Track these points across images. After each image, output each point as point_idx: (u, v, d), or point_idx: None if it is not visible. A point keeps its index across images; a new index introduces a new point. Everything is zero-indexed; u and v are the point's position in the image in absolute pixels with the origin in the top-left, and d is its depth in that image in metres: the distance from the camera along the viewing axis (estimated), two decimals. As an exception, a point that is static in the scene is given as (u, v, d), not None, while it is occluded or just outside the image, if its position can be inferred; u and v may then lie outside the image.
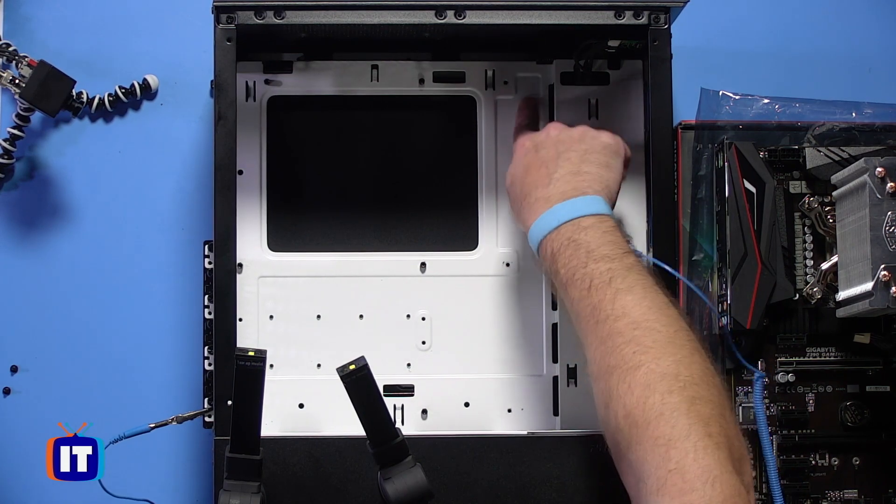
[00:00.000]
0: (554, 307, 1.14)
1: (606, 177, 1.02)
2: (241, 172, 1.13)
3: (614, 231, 0.97)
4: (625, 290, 0.92)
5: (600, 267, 0.94)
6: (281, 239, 1.14)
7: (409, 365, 1.14)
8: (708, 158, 1.15)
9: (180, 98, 1.22)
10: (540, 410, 1.13)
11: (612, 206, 1.01)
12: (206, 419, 1.07)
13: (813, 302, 1.12)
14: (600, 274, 0.94)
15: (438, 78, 1.16)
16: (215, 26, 1.03)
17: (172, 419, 1.06)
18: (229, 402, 0.98)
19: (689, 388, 0.86)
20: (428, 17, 1.04)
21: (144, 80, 1.21)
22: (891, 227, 1.02)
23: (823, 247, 1.13)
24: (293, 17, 1.03)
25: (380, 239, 1.15)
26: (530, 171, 1.03)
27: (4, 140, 1.19)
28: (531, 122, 1.13)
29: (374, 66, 1.16)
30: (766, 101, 1.18)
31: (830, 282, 1.12)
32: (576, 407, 1.12)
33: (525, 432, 1.10)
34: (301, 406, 1.12)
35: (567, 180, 1.00)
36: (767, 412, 1.12)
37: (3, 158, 1.19)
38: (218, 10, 1.03)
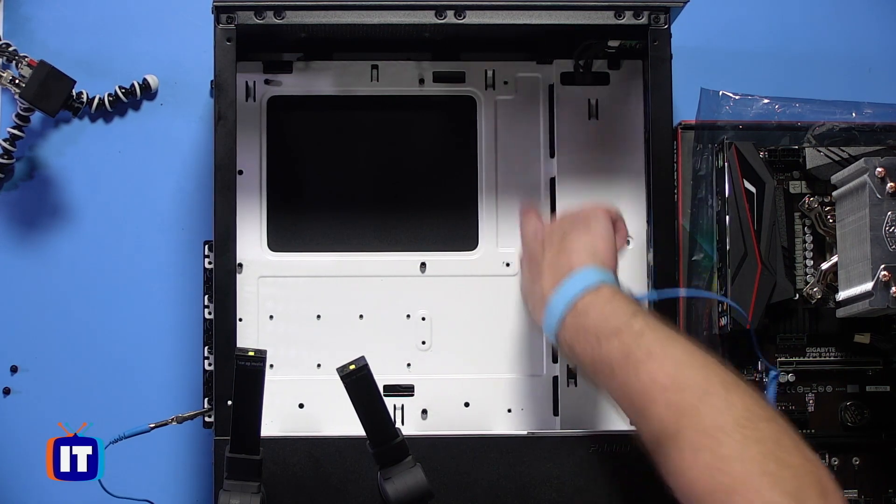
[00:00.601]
0: (554, 307, 1.14)
1: (589, 241, 1.00)
2: (241, 172, 1.13)
3: (611, 299, 0.95)
4: (643, 359, 0.90)
5: (613, 345, 0.92)
6: (281, 239, 1.14)
7: (409, 365, 1.14)
8: (708, 158, 1.15)
9: (180, 98, 1.22)
10: (540, 410, 1.13)
11: (608, 261, 0.99)
12: (206, 419, 1.07)
13: (813, 302, 1.12)
14: (615, 352, 0.92)
15: (438, 78, 1.16)
16: (215, 26, 1.03)
17: (172, 419, 1.06)
18: (229, 402, 0.98)
19: (736, 433, 0.84)
20: (428, 17, 1.04)
21: (144, 80, 1.21)
22: (891, 227, 1.02)
23: (823, 247, 1.13)
24: (293, 17, 1.03)
25: (380, 239, 1.15)
26: (527, 275, 1.04)
27: (4, 140, 1.19)
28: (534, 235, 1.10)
29: (374, 66, 1.16)
30: (766, 101, 1.18)
31: (830, 282, 1.12)
32: (576, 407, 1.12)
33: (525, 432, 1.09)
34: (301, 406, 1.12)
35: (552, 266, 0.99)
36: (767, 412, 1.13)
37: (3, 158, 1.19)
38: (218, 10, 1.03)
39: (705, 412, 0.86)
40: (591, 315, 0.94)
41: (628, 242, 1.07)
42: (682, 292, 1.03)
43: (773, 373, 1.08)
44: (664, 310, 1.03)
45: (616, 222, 1.03)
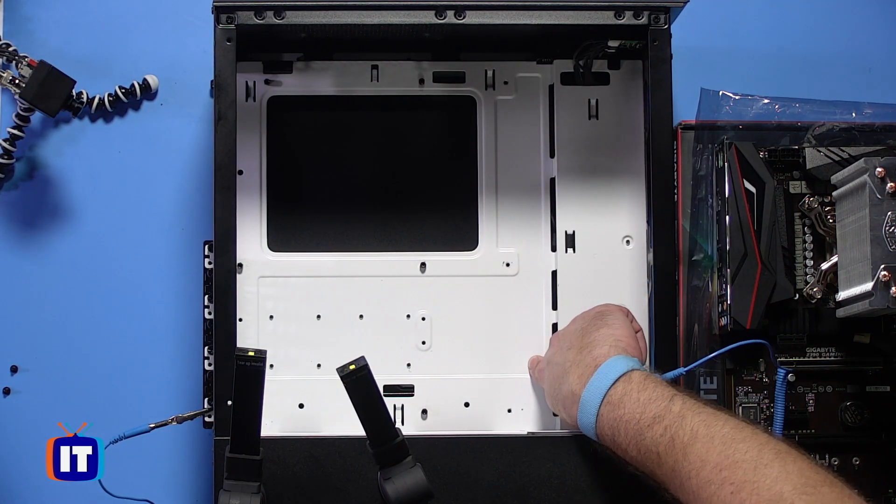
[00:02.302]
0: (554, 307, 1.14)
1: (609, 333, 1.01)
2: (241, 172, 1.13)
3: (645, 386, 0.95)
4: (689, 441, 0.90)
5: (656, 432, 0.92)
6: (281, 239, 1.14)
7: (409, 365, 1.14)
8: (708, 158, 1.15)
9: (180, 98, 1.22)
10: (540, 410, 1.13)
11: (632, 349, 1.00)
12: (206, 419, 1.07)
13: (813, 302, 1.12)
14: (659, 438, 0.92)
15: (438, 78, 1.16)
16: (215, 26, 1.03)
17: (172, 419, 1.06)
18: (229, 402, 0.98)
19: (798, 502, 0.84)
20: (428, 17, 1.04)
21: (144, 80, 1.21)
22: (891, 227, 1.02)
23: (823, 247, 1.13)
24: (293, 17, 1.03)
25: (380, 239, 1.15)
26: (551, 380, 1.04)
27: (4, 140, 1.19)
28: None
29: (374, 66, 1.16)
30: (766, 101, 1.18)
31: (830, 282, 1.12)
32: (576, 407, 1.12)
33: (525, 432, 1.10)
34: (301, 406, 1.12)
35: (577, 362, 1.00)
36: (767, 412, 1.12)
37: (3, 158, 1.19)
38: (218, 10, 1.03)
39: (763, 484, 0.85)
40: (628, 405, 0.94)
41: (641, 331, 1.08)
42: (684, 371, 1.04)
43: (781, 372, 1.08)
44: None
45: (627, 316, 1.06)
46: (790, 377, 1.10)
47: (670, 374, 1.01)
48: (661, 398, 0.94)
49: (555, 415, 1.09)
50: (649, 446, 0.92)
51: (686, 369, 1.03)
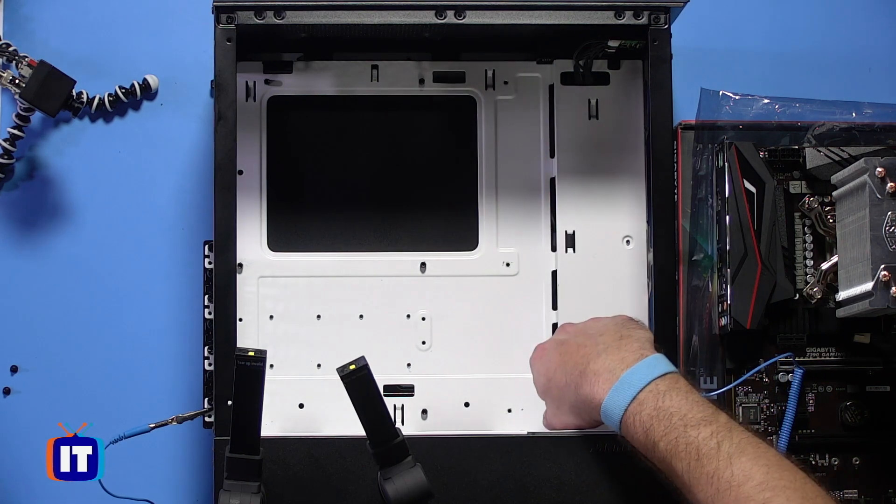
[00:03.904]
0: (554, 307, 1.14)
1: (648, 336, 1.02)
2: (241, 172, 1.13)
3: (692, 390, 0.96)
4: (737, 452, 0.90)
5: (702, 433, 0.92)
6: (281, 239, 1.14)
7: (409, 365, 1.14)
8: (708, 158, 1.15)
9: (180, 98, 1.22)
10: (540, 410, 1.13)
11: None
12: (206, 419, 1.07)
13: (813, 302, 1.12)
14: (705, 440, 0.92)
15: (438, 78, 1.16)
16: (215, 26, 1.03)
17: (172, 419, 1.06)
18: (229, 402, 0.98)
19: None
20: (428, 17, 1.04)
21: (144, 80, 1.21)
22: (891, 227, 1.02)
23: (823, 247, 1.13)
24: (293, 17, 1.03)
25: (380, 239, 1.15)
26: (568, 355, 1.03)
27: (4, 140, 1.19)
28: None
29: (374, 66, 1.16)
30: (766, 101, 1.18)
31: (830, 282, 1.11)
32: (576, 407, 1.12)
33: (525, 432, 1.09)
34: (301, 406, 1.12)
35: (619, 346, 1.00)
36: (767, 412, 1.12)
37: (3, 158, 1.19)
38: (218, 10, 1.03)
39: None
40: (675, 398, 0.94)
41: None
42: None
43: (798, 371, 1.08)
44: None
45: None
46: (791, 377, 1.11)
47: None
48: (708, 406, 0.94)
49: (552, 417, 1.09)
50: (690, 444, 0.92)
51: (720, 391, 1.05)
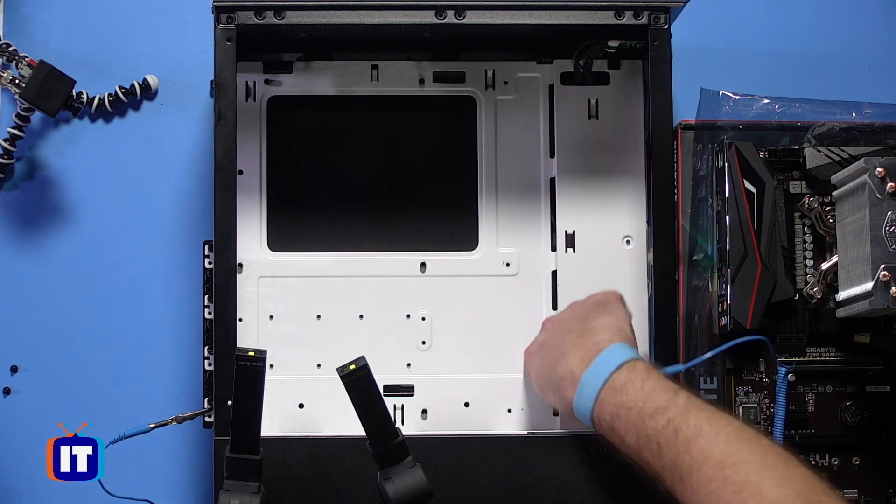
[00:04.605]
0: (554, 307, 1.14)
1: (611, 322, 1.00)
2: (241, 172, 1.13)
3: (649, 375, 0.95)
4: (693, 435, 0.90)
5: (659, 422, 0.91)
6: (281, 239, 1.14)
7: (409, 365, 1.14)
8: (708, 158, 1.15)
9: (180, 98, 1.22)
10: (540, 410, 1.13)
11: (632, 342, 1.00)
12: (206, 419, 1.07)
13: (813, 302, 1.12)
14: (662, 429, 0.91)
15: (438, 78, 1.16)
16: (215, 26, 1.03)
17: (172, 419, 1.06)
18: (229, 402, 0.98)
19: None
20: (428, 17, 1.04)
21: (144, 80, 1.21)
22: (891, 227, 1.02)
23: (823, 247, 1.13)
24: (293, 17, 1.03)
25: (380, 239, 1.15)
26: (544, 362, 1.03)
27: (4, 140, 1.19)
28: None
29: (374, 66, 1.16)
30: (766, 101, 1.18)
31: (830, 282, 1.12)
32: (576, 407, 1.12)
33: (525, 432, 1.10)
34: (301, 406, 1.12)
35: (578, 345, 0.99)
36: (767, 412, 1.13)
37: (3, 158, 1.19)
38: (218, 10, 1.03)
39: (766, 487, 0.85)
40: (631, 392, 0.94)
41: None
42: (697, 361, 1.05)
43: (782, 370, 1.07)
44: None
45: (624, 304, 1.05)
46: (790, 377, 1.11)
47: (670, 369, 1.00)
48: (665, 390, 0.93)
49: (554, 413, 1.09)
50: (650, 436, 0.92)
51: (686, 366, 1.03)
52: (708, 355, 1.07)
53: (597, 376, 0.96)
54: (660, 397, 0.93)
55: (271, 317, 1.13)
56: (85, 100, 1.20)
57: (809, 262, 1.13)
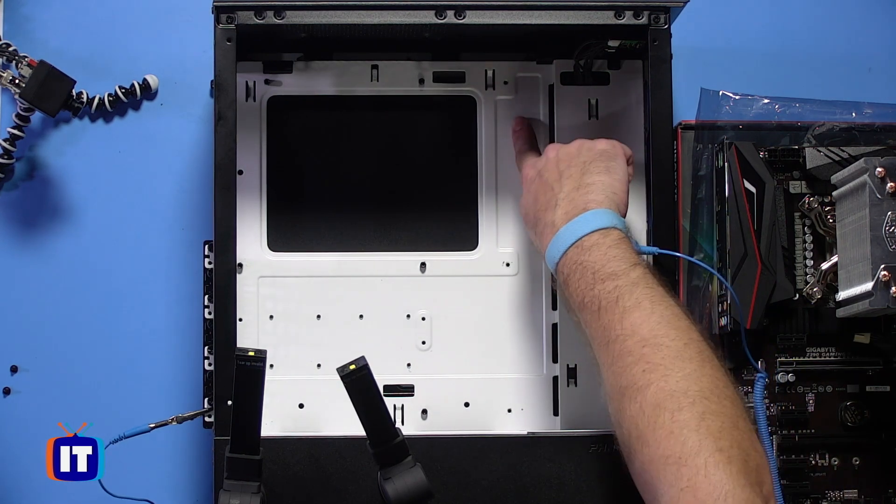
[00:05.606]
0: (554, 307, 1.14)
1: (609, 182, 1.01)
2: (241, 172, 1.13)
3: (619, 244, 0.96)
4: (632, 307, 0.91)
5: (607, 287, 0.93)
6: (281, 239, 1.14)
7: (409, 365, 1.14)
8: (708, 158, 1.15)
9: (180, 98, 1.22)
10: (540, 410, 1.13)
11: (623, 206, 1.01)
12: (206, 419, 1.07)
13: (813, 302, 1.12)
14: (607, 294, 0.93)
15: (438, 78, 1.16)
16: (215, 26, 1.03)
17: (172, 419, 1.06)
18: (229, 402, 0.98)
19: (699, 404, 0.85)
20: (428, 17, 1.04)
21: (144, 80, 1.21)
22: (891, 227, 1.02)
23: (823, 247, 1.13)
24: (293, 17, 1.03)
25: (380, 239, 1.15)
26: (538, 197, 1.04)
27: (4, 140, 1.19)
28: (530, 144, 1.12)
29: (374, 66, 1.16)
30: (766, 101, 1.18)
31: (830, 282, 1.12)
32: (576, 407, 1.12)
33: (525, 432, 1.09)
34: (301, 406, 1.12)
35: (570, 198, 1.00)
36: (767, 412, 1.12)
37: (3, 158, 1.19)
38: (218, 10, 1.03)
39: (674, 375, 0.87)
40: (595, 253, 0.95)
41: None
42: (684, 256, 1.05)
43: (759, 375, 1.07)
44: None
45: (629, 163, 1.06)
46: (791, 377, 1.11)
47: (644, 248, 1.02)
48: (625, 261, 0.94)
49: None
50: (594, 298, 0.93)
51: (661, 251, 1.03)
52: (677, 253, 1.05)
53: (571, 232, 0.97)
54: (617, 265, 0.94)
55: (271, 317, 1.13)
56: (85, 100, 1.20)
57: (809, 262, 1.13)
